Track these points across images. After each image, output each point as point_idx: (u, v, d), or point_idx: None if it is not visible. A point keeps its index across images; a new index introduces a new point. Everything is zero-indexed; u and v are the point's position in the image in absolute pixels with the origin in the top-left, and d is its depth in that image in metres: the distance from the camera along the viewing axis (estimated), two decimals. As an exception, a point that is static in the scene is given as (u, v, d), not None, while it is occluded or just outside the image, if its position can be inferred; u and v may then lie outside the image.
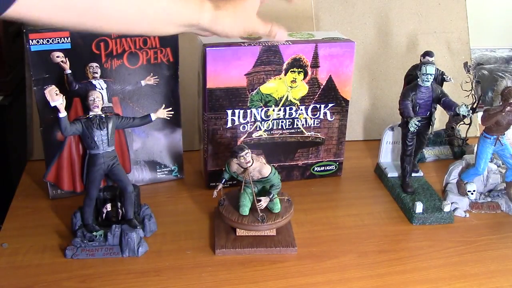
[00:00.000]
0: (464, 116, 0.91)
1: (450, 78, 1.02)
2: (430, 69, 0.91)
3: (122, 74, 0.91)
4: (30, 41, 0.83)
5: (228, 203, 0.85)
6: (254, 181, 0.82)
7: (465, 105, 0.90)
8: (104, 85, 0.88)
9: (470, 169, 0.97)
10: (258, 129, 0.99)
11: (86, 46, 0.87)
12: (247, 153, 0.79)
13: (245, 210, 0.83)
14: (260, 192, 0.85)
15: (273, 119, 0.99)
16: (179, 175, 1.05)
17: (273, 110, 0.98)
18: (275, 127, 1.00)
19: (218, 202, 0.85)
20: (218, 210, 0.86)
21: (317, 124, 1.02)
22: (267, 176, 0.81)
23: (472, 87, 1.12)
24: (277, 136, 1.01)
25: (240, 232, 0.84)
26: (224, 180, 0.85)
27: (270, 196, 0.82)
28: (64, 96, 0.79)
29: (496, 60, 1.57)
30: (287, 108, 0.98)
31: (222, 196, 0.86)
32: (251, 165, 0.80)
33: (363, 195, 1.03)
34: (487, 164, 0.95)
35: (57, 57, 0.85)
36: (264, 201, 0.82)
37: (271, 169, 0.82)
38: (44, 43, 0.84)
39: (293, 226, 0.88)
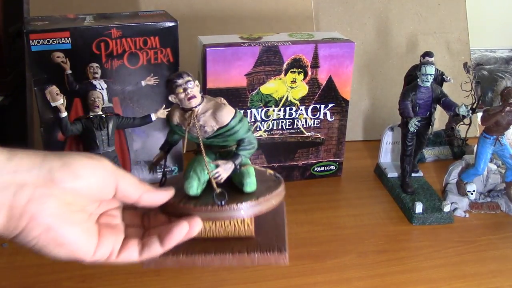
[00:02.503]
0: (464, 117, 0.91)
1: (450, 79, 1.02)
2: (430, 70, 0.92)
3: (122, 75, 0.91)
4: (31, 41, 0.83)
5: (172, 180, 0.55)
6: (208, 137, 0.51)
7: (465, 105, 0.90)
8: (105, 86, 0.89)
9: (470, 169, 0.97)
10: (258, 129, 0.99)
11: (87, 47, 0.87)
12: (188, 81, 0.50)
13: (193, 185, 0.51)
14: (224, 158, 0.53)
15: (273, 120, 0.99)
16: (179, 175, 1.05)
17: (273, 111, 0.98)
18: (275, 127, 1.00)
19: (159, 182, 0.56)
20: None
21: (317, 124, 1.02)
22: (226, 124, 0.50)
23: (472, 88, 1.12)
24: (277, 136, 1.01)
25: None
26: (167, 144, 0.56)
27: (235, 161, 0.50)
28: (64, 96, 0.79)
29: (496, 60, 1.57)
30: (287, 109, 0.98)
31: (163, 170, 0.56)
32: (199, 104, 0.50)
33: (363, 195, 1.03)
34: (487, 164, 0.96)
35: (58, 57, 0.85)
36: (223, 169, 0.50)
37: (235, 113, 0.51)
38: (45, 43, 0.84)
39: (293, 226, 0.88)
